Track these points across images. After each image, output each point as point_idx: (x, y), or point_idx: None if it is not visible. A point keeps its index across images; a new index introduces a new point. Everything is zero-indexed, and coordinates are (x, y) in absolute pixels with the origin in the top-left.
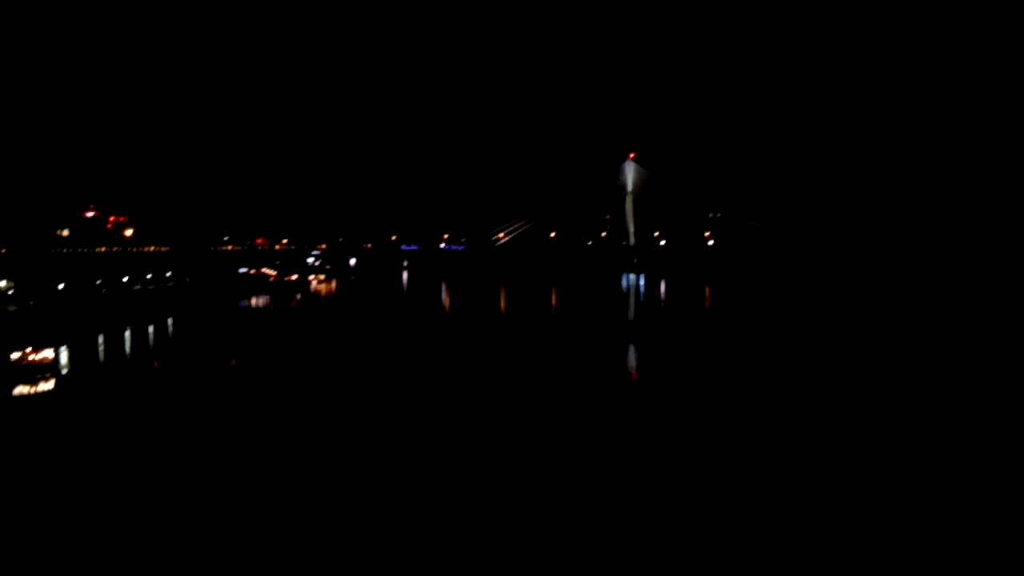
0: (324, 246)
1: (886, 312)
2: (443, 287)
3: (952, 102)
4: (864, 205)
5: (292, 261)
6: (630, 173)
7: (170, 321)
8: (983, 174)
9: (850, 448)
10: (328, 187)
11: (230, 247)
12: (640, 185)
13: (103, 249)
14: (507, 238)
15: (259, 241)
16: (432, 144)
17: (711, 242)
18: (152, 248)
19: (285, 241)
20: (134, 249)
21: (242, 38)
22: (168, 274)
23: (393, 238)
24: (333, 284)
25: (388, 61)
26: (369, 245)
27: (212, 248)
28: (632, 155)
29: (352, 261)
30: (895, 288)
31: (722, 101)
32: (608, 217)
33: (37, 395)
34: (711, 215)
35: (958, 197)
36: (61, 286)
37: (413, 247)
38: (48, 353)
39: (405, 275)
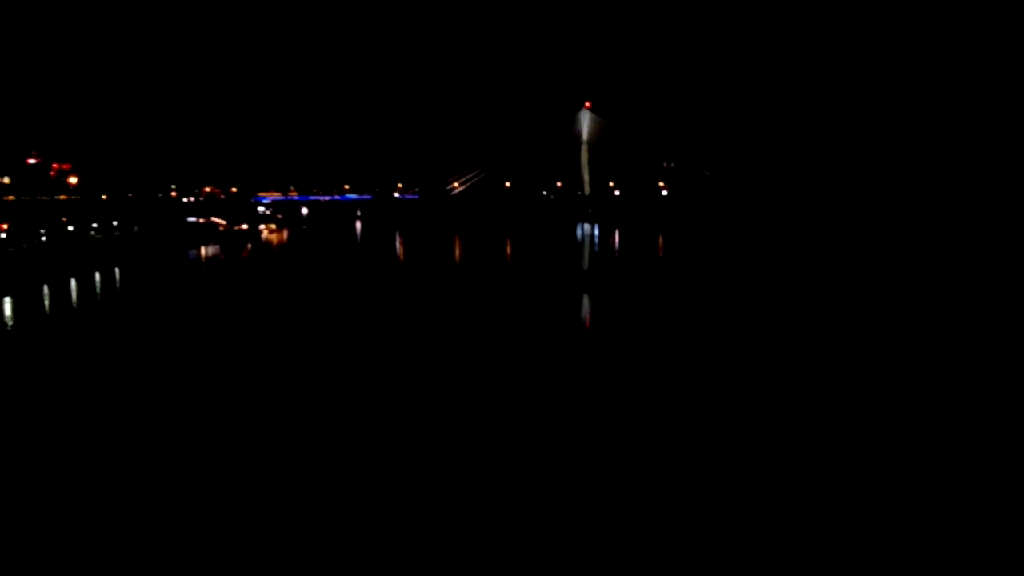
0: (276, 194)
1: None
2: (397, 237)
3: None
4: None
5: (242, 210)
6: (586, 122)
7: (117, 271)
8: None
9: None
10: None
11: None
12: (596, 135)
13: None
14: (462, 188)
15: (207, 189)
16: (385, 92)
17: (665, 192)
18: (104, 197)
19: (234, 190)
20: (78, 197)
21: None
22: (115, 223)
23: (346, 187)
24: (285, 234)
25: (340, 10)
26: (321, 194)
27: (159, 196)
28: (588, 104)
29: (304, 211)
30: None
31: (678, 50)
32: (563, 167)
33: None
34: (666, 165)
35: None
36: (3, 235)
37: (366, 196)
38: None
39: (359, 224)
